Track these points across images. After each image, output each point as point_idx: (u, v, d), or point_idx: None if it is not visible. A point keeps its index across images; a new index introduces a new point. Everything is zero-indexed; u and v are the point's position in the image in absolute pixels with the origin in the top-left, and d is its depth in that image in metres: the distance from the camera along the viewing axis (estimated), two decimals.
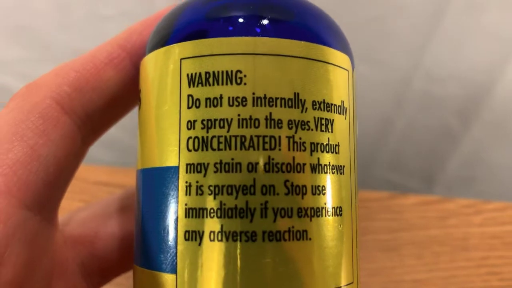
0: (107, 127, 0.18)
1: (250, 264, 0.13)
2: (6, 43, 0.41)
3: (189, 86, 0.14)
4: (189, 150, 0.14)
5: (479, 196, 0.42)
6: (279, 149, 0.14)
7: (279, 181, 0.14)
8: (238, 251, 0.13)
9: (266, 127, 0.14)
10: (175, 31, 0.15)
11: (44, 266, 0.16)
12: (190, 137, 0.14)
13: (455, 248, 0.32)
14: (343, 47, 0.16)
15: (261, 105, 0.14)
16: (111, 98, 0.17)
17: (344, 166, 0.15)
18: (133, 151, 0.17)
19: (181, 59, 0.15)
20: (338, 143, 0.15)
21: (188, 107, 0.14)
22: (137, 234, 0.16)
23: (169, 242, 0.14)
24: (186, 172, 0.14)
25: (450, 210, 0.35)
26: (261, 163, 0.14)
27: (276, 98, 0.14)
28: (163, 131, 0.15)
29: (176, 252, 0.14)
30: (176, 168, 0.14)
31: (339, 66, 0.15)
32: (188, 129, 0.14)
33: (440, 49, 0.38)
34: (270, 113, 0.14)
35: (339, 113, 0.15)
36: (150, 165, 0.15)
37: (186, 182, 0.14)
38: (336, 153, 0.15)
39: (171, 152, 0.15)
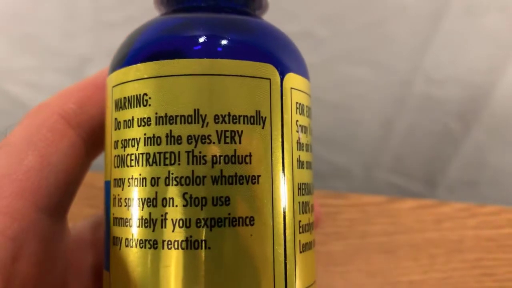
0: None
1: (153, 268, 0.15)
2: (14, 51, 0.41)
3: (115, 111, 0.16)
4: (115, 167, 0.16)
5: (481, 199, 0.42)
6: (179, 164, 0.15)
7: (178, 193, 0.14)
8: (145, 257, 0.15)
9: (167, 143, 0.15)
10: (116, 61, 0.17)
11: (59, 267, 0.17)
12: (115, 156, 0.16)
13: (450, 250, 0.33)
14: (265, 56, 0.16)
15: (162, 124, 0.15)
16: None
17: (259, 176, 0.15)
18: None
19: (112, 87, 0.16)
20: (250, 153, 0.15)
21: (114, 129, 0.16)
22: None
23: (107, 246, 0.16)
24: (114, 186, 0.16)
25: (446, 214, 0.36)
26: (162, 177, 0.15)
27: (176, 116, 0.15)
28: (105, 150, 0.17)
29: (109, 254, 0.16)
30: (109, 183, 0.16)
31: (254, 77, 0.15)
32: (115, 148, 0.16)
33: (440, 52, 0.39)
34: (170, 131, 0.15)
35: (252, 123, 0.15)
36: (104, 179, 0.17)
37: (113, 195, 0.16)
38: (246, 163, 0.15)
39: (107, 169, 0.16)
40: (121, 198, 0.15)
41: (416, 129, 0.44)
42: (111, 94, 0.16)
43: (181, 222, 0.14)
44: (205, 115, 0.15)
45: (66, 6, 0.38)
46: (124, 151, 0.15)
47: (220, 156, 0.15)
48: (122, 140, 0.16)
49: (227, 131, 0.15)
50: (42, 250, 0.16)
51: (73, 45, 0.40)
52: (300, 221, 0.16)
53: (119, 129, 0.16)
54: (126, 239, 0.15)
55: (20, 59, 0.42)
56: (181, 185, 0.15)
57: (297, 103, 0.16)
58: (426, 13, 0.37)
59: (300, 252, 0.16)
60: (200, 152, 0.15)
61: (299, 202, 0.16)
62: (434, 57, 0.39)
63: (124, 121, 0.16)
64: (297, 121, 0.16)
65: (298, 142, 0.16)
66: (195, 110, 0.15)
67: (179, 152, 0.15)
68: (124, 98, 0.16)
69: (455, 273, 0.31)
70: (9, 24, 0.39)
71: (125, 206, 0.15)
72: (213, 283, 0.14)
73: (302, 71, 0.17)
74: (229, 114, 0.15)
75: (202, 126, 0.15)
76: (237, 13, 0.18)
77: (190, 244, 0.14)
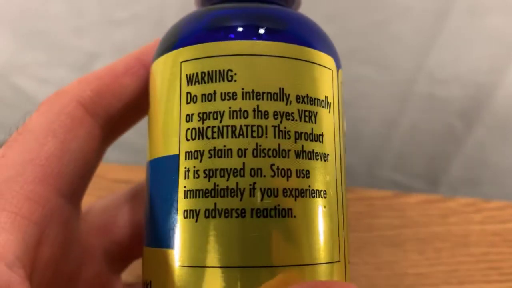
0: (125, 129, 0.20)
1: (240, 237, 0.15)
2: (23, 47, 0.41)
3: (188, 85, 0.16)
4: (187, 140, 0.16)
5: (483, 197, 0.42)
6: (266, 137, 0.15)
7: (266, 164, 0.15)
8: (230, 226, 0.15)
9: (254, 117, 0.16)
10: (178, 39, 0.17)
11: (76, 251, 0.18)
12: (188, 129, 0.16)
13: (456, 244, 0.33)
14: (328, 49, 0.18)
15: (249, 99, 0.16)
16: (128, 102, 0.19)
17: (328, 154, 0.16)
18: (143, 152, 0.19)
19: (181, 62, 0.17)
20: (322, 133, 0.16)
21: (187, 103, 0.16)
22: (146, 218, 0.18)
23: (171, 221, 0.16)
24: (185, 159, 0.16)
25: (452, 209, 0.36)
26: (250, 149, 0.15)
27: (263, 92, 0.16)
28: (167, 125, 0.17)
29: (176, 229, 0.16)
30: (177, 156, 0.16)
31: (323, 66, 0.17)
32: (187, 121, 0.16)
33: (444, 52, 0.39)
34: (258, 106, 0.16)
35: (323, 107, 0.17)
36: (156, 156, 0.17)
37: (185, 167, 0.16)
38: (320, 141, 0.16)
39: (173, 142, 0.16)
40: (198, 170, 0.16)
41: (419, 127, 0.44)
42: (178, 69, 0.17)
43: (269, 191, 0.15)
44: (289, 94, 0.16)
45: (75, 3, 0.39)
46: (203, 123, 0.16)
47: (301, 132, 0.16)
48: (199, 113, 0.16)
49: (306, 110, 0.16)
50: (63, 234, 0.16)
51: (81, 41, 0.41)
52: (346, 200, 0.18)
53: (194, 102, 0.16)
54: (207, 210, 0.15)
55: (29, 54, 0.42)
56: (269, 156, 0.15)
57: (342, 96, 0.18)
58: (430, 13, 0.37)
59: (347, 227, 0.17)
60: (285, 128, 0.16)
61: (345, 183, 0.18)
62: (438, 57, 0.39)
63: (203, 94, 0.16)
64: (343, 112, 0.18)
65: (344, 131, 0.18)
66: (280, 88, 0.16)
67: (266, 126, 0.16)
68: (203, 73, 0.16)
69: (461, 266, 0.32)
70: (19, 20, 0.40)
71: (205, 177, 0.15)
72: (297, 248, 0.15)
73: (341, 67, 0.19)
74: (307, 96, 0.16)
75: (286, 104, 0.16)
76: (281, 5, 0.19)
77: (277, 213, 0.15)
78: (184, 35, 0.17)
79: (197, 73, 0.16)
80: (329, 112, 0.17)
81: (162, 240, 0.16)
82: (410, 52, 0.39)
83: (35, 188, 0.15)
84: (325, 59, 0.17)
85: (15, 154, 0.16)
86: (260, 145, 0.15)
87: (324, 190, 0.16)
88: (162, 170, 0.17)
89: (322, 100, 0.17)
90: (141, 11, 0.39)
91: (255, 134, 0.15)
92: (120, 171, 0.34)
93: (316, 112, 0.16)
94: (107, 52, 0.41)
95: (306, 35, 0.18)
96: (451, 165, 0.46)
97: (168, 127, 0.17)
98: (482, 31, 0.38)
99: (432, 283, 0.31)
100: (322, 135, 0.16)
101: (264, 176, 0.15)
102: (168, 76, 0.17)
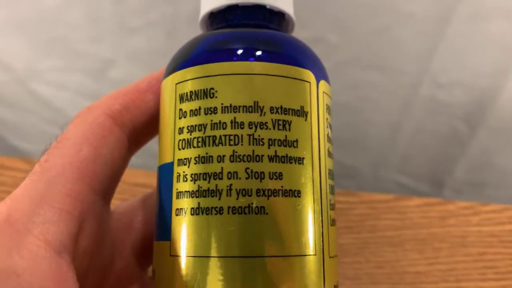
0: (148, 139, 0.22)
1: (217, 231, 0.17)
2: (42, 53, 0.42)
3: (180, 103, 0.19)
4: (179, 149, 0.19)
5: (487, 199, 0.43)
6: (241, 144, 0.18)
7: (241, 168, 0.17)
8: (209, 222, 0.17)
9: (231, 128, 0.18)
10: (176, 64, 0.20)
11: (108, 244, 0.20)
12: (180, 140, 0.19)
13: (454, 245, 0.34)
14: (307, 64, 0.19)
15: (227, 112, 0.18)
16: (151, 115, 0.21)
17: (304, 158, 0.18)
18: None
19: (176, 84, 0.19)
20: (297, 139, 0.18)
21: (179, 118, 0.19)
22: (154, 215, 0.20)
23: (168, 218, 0.19)
24: (178, 165, 0.18)
25: (450, 211, 0.37)
26: (227, 155, 0.18)
27: (239, 106, 0.18)
28: (166, 136, 0.19)
29: (170, 225, 0.18)
30: (172, 163, 0.19)
31: (299, 79, 0.19)
32: (179, 134, 0.19)
33: (447, 56, 0.39)
34: (235, 117, 0.18)
35: (298, 116, 0.18)
36: (161, 162, 0.20)
37: (177, 173, 0.18)
38: (294, 147, 0.18)
39: (170, 151, 0.19)
40: (186, 174, 0.18)
41: (423, 131, 0.45)
42: (174, 90, 0.19)
43: (243, 191, 0.17)
44: (263, 106, 0.18)
45: (91, 12, 0.40)
46: (191, 135, 0.18)
47: (274, 139, 0.18)
48: (188, 126, 0.19)
49: (280, 120, 0.18)
50: (97, 227, 0.19)
51: (97, 48, 0.42)
52: (330, 200, 0.19)
53: (184, 117, 0.19)
54: (192, 208, 0.18)
55: (47, 60, 0.43)
56: (244, 161, 0.18)
57: (326, 104, 0.20)
58: (433, 19, 0.38)
59: (330, 225, 0.19)
60: (259, 136, 0.18)
61: (328, 184, 0.19)
62: (441, 61, 0.40)
63: (191, 110, 0.19)
64: (326, 119, 0.20)
65: (328, 136, 0.19)
66: (255, 102, 0.18)
67: (241, 135, 0.18)
68: (191, 92, 0.19)
69: (458, 265, 0.33)
70: (38, 27, 0.41)
71: (191, 180, 0.18)
72: (268, 242, 0.17)
73: (328, 79, 0.21)
74: (281, 107, 0.18)
75: (261, 115, 0.18)
76: (274, 30, 0.21)
77: (251, 210, 0.17)
78: (180, 60, 0.20)
79: (186, 93, 0.19)
80: (306, 120, 0.19)
81: (162, 234, 0.19)
82: (414, 57, 0.40)
83: (74, 187, 0.17)
84: (301, 72, 0.19)
85: (56, 158, 0.18)
86: (236, 152, 0.18)
87: (298, 190, 0.18)
88: (163, 175, 0.19)
89: (297, 110, 0.18)
90: (154, 19, 0.40)
91: (232, 142, 0.18)
92: (140, 175, 0.36)
93: (290, 121, 0.18)
94: (122, 59, 0.42)
95: (281, 53, 0.20)
96: (456, 168, 0.47)
97: (167, 138, 0.19)
98: (484, 36, 0.38)
99: (431, 281, 0.32)
100: (296, 141, 0.18)
101: (240, 178, 0.17)
102: (169, 95, 0.20)
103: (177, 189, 0.18)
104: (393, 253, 0.34)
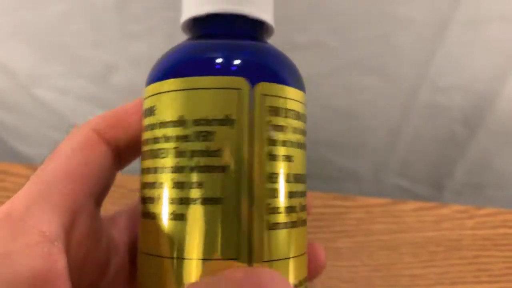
0: (132, 158, 0.24)
1: (156, 234, 0.19)
2: (44, 59, 0.43)
3: (144, 118, 0.21)
4: (142, 160, 0.21)
5: (486, 201, 0.43)
6: (168, 157, 0.19)
7: (168, 179, 0.19)
8: (150, 225, 0.20)
9: (162, 142, 0.19)
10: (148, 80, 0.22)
11: (103, 243, 0.22)
12: (142, 151, 0.21)
13: (448, 248, 0.35)
14: (236, 71, 0.20)
15: (161, 128, 0.20)
16: (135, 136, 0.22)
17: (228, 166, 0.19)
18: None
19: (144, 98, 0.21)
20: (220, 148, 0.19)
21: (143, 132, 0.21)
22: None
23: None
24: (141, 174, 0.21)
25: (445, 215, 0.37)
26: (159, 167, 0.19)
27: (167, 122, 0.19)
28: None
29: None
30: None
31: (224, 88, 0.19)
32: (143, 146, 0.21)
33: (445, 61, 0.39)
34: (165, 133, 0.19)
35: (223, 125, 0.19)
36: None
37: (140, 181, 0.21)
38: (217, 156, 0.19)
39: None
40: (141, 183, 0.21)
41: (422, 134, 0.45)
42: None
43: (170, 200, 0.19)
44: (187, 120, 0.19)
45: (94, 18, 0.40)
46: (144, 148, 0.21)
47: (195, 150, 0.19)
48: (144, 139, 0.21)
49: (203, 131, 0.19)
50: (90, 224, 0.20)
51: (99, 53, 0.42)
52: (269, 204, 0.19)
53: (144, 132, 0.21)
54: (143, 212, 0.20)
55: (50, 66, 0.44)
56: (169, 173, 0.19)
57: (270, 106, 0.20)
58: (431, 24, 0.38)
59: (269, 229, 0.19)
60: (183, 148, 0.19)
61: (268, 189, 0.19)
62: (440, 66, 0.40)
63: (145, 126, 0.21)
64: (269, 121, 0.19)
65: (271, 139, 0.19)
66: (179, 116, 0.19)
67: (168, 149, 0.19)
68: (146, 109, 0.21)
69: (453, 268, 0.33)
70: (41, 34, 0.41)
71: (142, 189, 0.20)
72: (189, 246, 0.18)
73: (282, 80, 0.20)
74: (204, 118, 0.19)
75: (184, 128, 0.19)
76: (238, 38, 0.22)
77: (174, 217, 0.19)
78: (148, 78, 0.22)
79: (145, 109, 0.21)
80: (232, 128, 0.19)
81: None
82: (413, 62, 0.40)
83: (67, 186, 0.19)
84: (229, 81, 0.19)
85: (51, 165, 0.20)
86: (163, 164, 0.19)
87: (220, 198, 0.19)
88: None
89: (221, 119, 0.19)
90: (156, 25, 0.40)
91: (161, 156, 0.19)
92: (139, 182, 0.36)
93: (214, 131, 0.19)
94: (124, 64, 0.43)
95: (211, 65, 0.20)
96: (455, 171, 0.47)
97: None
98: (483, 41, 0.38)
99: (426, 283, 0.32)
100: (219, 150, 0.19)
101: (166, 188, 0.19)
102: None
103: (141, 196, 0.21)
104: (388, 257, 0.34)
